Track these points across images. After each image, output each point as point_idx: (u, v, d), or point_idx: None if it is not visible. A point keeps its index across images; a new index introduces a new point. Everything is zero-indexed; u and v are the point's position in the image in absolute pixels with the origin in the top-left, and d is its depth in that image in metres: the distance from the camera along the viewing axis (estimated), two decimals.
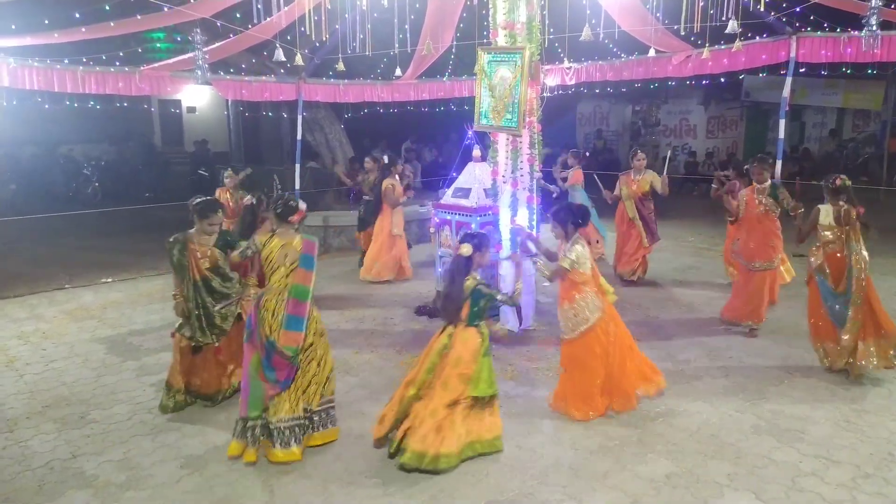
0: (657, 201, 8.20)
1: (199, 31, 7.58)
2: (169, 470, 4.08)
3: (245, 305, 4.84)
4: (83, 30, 7.22)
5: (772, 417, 4.62)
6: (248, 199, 6.29)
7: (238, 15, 7.91)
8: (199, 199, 4.84)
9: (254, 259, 4.62)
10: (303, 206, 4.30)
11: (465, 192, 6.83)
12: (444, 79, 10.66)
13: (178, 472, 4.06)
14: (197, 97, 19.59)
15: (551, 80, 9.68)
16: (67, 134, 16.81)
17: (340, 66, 8.09)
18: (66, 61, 7.60)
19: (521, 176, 6.32)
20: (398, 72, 9.28)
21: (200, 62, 7.69)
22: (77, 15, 7.53)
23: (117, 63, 8.07)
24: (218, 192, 7.43)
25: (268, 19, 7.19)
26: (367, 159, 9.09)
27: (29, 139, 16.46)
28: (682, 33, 7.29)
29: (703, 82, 10.88)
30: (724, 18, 6.38)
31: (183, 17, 7.47)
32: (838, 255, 5.17)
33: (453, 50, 9.08)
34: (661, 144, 19.64)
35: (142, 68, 8.09)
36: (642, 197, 7.97)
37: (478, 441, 4.08)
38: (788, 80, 7.98)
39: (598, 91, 13.82)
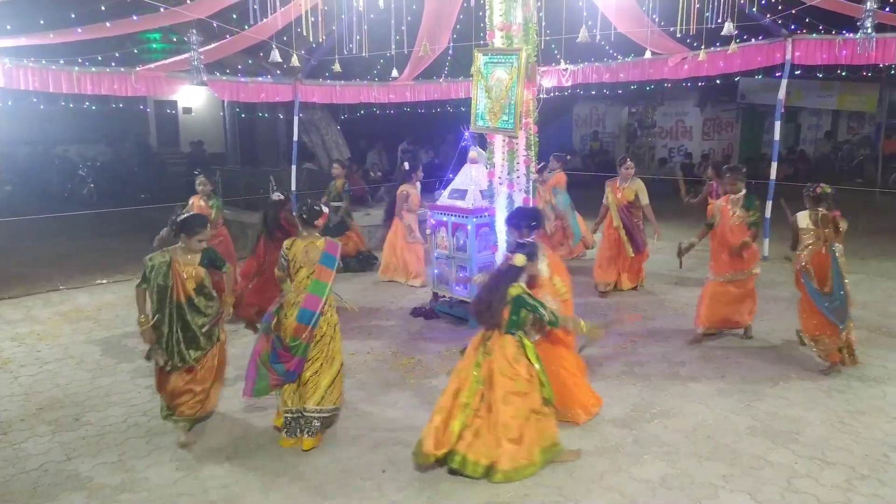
0: (653, 203, 8.13)
1: (195, 31, 7.58)
2: (164, 472, 4.07)
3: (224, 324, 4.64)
4: (79, 30, 7.21)
5: (767, 419, 4.63)
6: (276, 195, 6.57)
7: (234, 16, 7.91)
8: (183, 215, 4.51)
9: (224, 277, 4.58)
10: (325, 210, 4.57)
11: (462, 194, 6.83)
12: (441, 80, 10.67)
13: (174, 474, 4.05)
14: (193, 98, 19.56)
15: (548, 82, 9.71)
16: (63, 134, 16.78)
17: (337, 68, 8.08)
18: (62, 62, 7.59)
19: (518, 177, 6.32)
20: (395, 73, 9.28)
21: (196, 63, 7.69)
22: (73, 15, 7.51)
23: (113, 64, 8.07)
24: (191, 200, 7.17)
25: (264, 20, 7.19)
26: (334, 164, 8.78)
27: (24, 139, 16.43)
28: (679, 35, 7.33)
29: (699, 84, 10.93)
30: (719, 21, 6.41)
31: (179, 17, 7.46)
32: (824, 259, 5.29)
33: (450, 51, 9.09)
34: (657, 146, 19.70)
35: (137, 69, 8.08)
36: (628, 205, 7.67)
37: (551, 446, 4.04)
38: (784, 82, 8.03)
39: (594, 93, 13.86)
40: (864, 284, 7.91)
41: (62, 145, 17.18)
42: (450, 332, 6.52)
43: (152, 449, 4.35)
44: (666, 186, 13.63)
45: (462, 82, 10.45)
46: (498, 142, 6.37)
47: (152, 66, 8.32)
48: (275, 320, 4.31)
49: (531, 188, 6.51)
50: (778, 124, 8.13)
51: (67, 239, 11.40)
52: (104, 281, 8.78)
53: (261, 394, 4.37)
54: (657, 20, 7.73)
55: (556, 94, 10.67)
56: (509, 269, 4.03)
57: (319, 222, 4.44)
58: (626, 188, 7.67)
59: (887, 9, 7.53)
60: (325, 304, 4.26)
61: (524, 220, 4.62)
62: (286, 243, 4.42)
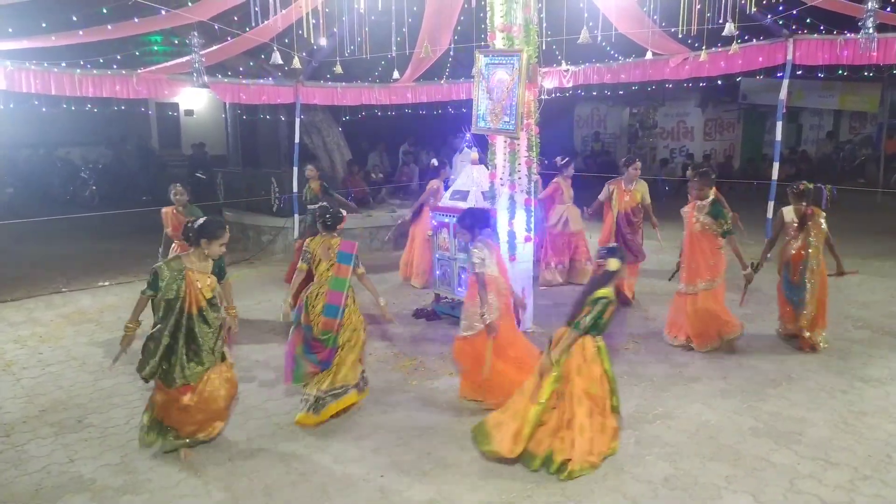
0: (655, 204, 8.08)
1: (196, 34, 7.58)
2: (166, 473, 4.08)
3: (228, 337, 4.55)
4: (80, 33, 7.22)
5: (770, 419, 4.62)
6: (320, 205, 6.58)
7: (236, 18, 7.91)
8: (202, 219, 4.24)
9: (225, 288, 4.52)
10: (345, 214, 4.98)
11: (463, 195, 6.83)
12: (442, 82, 10.67)
13: (176, 475, 4.06)
14: (194, 100, 19.56)
15: (549, 83, 9.70)
16: (65, 137, 16.78)
17: (338, 69, 8.09)
18: (64, 64, 7.60)
19: (519, 179, 6.32)
20: (396, 75, 9.28)
21: (198, 65, 7.69)
22: (74, 18, 7.53)
23: (114, 66, 8.07)
24: (165, 211, 6.73)
25: (265, 22, 7.20)
26: (308, 167, 8.41)
27: (26, 142, 16.44)
28: (680, 36, 7.32)
29: (701, 84, 10.93)
30: (720, 21, 6.40)
31: (180, 20, 7.46)
32: (801, 251, 5.77)
33: (451, 53, 9.09)
34: (659, 147, 19.69)
35: (139, 71, 8.09)
36: (634, 209, 7.34)
37: (610, 451, 4.14)
38: (785, 82, 8.01)
39: (595, 93, 13.88)
40: (866, 284, 7.91)
41: (64, 148, 17.18)
42: (451, 334, 6.51)
43: (155, 450, 4.34)
44: (667, 187, 13.65)
45: (463, 84, 10.45)
46: (499, 143, 6.37)
47: (154, 68, 8.32)
48: (303, 314, 4.64)
49: (532, 189, 6.51)
50: (779, 124, 8.11)
51: (69, 241, 11.41)
52: (106, 283, 8.79)
53: (300, 380, 4.71)
54: (658, 21, 7.73)
55: (558, 94, 10.66)
56: (604, 274, 4.05)
57: (340, 227, 4.87)
58: (634, 190, 7.36)
59: (889, 9, 7.52)
60: (346, 297, 4.67)
61: (474, 220, 4.87)
62: (307, 241, 4.88)
